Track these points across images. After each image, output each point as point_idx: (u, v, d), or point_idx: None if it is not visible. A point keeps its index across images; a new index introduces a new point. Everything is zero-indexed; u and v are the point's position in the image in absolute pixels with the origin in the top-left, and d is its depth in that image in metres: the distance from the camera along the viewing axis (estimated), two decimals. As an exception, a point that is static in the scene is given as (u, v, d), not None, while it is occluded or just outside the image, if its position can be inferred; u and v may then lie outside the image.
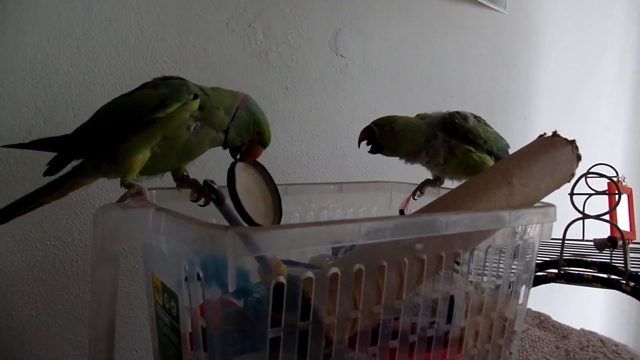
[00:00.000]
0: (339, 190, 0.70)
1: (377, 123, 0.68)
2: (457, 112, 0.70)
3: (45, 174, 0.53)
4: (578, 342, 0.66)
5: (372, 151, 0.69)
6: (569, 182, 0.53)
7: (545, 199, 0.54)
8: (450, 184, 0.72)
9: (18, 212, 0.52)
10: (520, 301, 0.53)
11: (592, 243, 1.09)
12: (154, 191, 0.57)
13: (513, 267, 0.51)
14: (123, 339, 0.77)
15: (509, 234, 0.48)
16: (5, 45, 0.65)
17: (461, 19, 1.24)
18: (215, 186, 0.35)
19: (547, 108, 1.57)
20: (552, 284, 0.88)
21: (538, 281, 0.89)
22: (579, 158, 0.52)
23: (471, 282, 0.48)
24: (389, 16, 1.08)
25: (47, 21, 0.68)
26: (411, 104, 1.14)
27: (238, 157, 0.55)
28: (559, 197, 0.58)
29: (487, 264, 0.48)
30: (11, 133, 0.65)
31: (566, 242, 1.17)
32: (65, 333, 0.71)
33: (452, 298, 0.46)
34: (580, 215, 0.84)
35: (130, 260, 0.77)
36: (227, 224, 0.41)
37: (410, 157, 0.70)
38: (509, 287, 0.51)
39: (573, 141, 0.52)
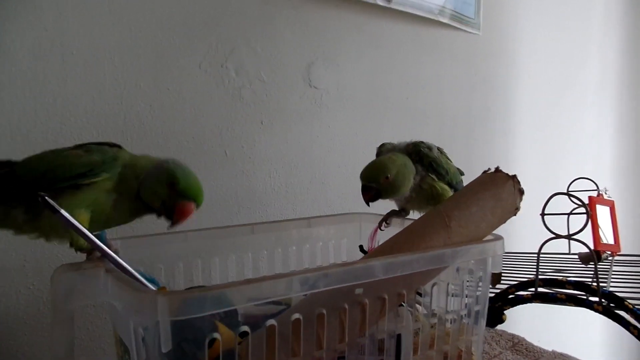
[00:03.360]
0: (307, 225, 0.72)
1: (371, 180, 0.66)
2: (422, 142, 0.72)
3: None
4: (546, 366, 0.67)
5: (372, 200, 0.68)
6: (514, 215, 0.55)
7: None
8: (414, 215, 0.74)
9: None
10: (476, 333, 0.55)
11: (576, 257, 1.09)
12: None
13: (464, 300, 0.53)
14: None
15: (455, 270, 0.50)
16: (-18, 101, 0.68)
17: (435, 43, 1.26)
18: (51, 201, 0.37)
19: (529, 121, 1.59)
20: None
21: (515, 302, 0.90)
22: (521, 192, 0.53)
23: (418, 318, 0.50)
24: (361, 45, 1.11)
25: (23, 76, 0.71)
26: (388, 128, 1.17)
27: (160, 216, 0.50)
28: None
29: (434, 300, 0.50)
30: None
31: (550, 256, 1.18)
32: (51, 375, 0.74)
33: (399, 336, 0.47)
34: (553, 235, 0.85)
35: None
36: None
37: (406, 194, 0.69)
38: (461, 320, 0.53)
39: (514, 176, 0.54)
